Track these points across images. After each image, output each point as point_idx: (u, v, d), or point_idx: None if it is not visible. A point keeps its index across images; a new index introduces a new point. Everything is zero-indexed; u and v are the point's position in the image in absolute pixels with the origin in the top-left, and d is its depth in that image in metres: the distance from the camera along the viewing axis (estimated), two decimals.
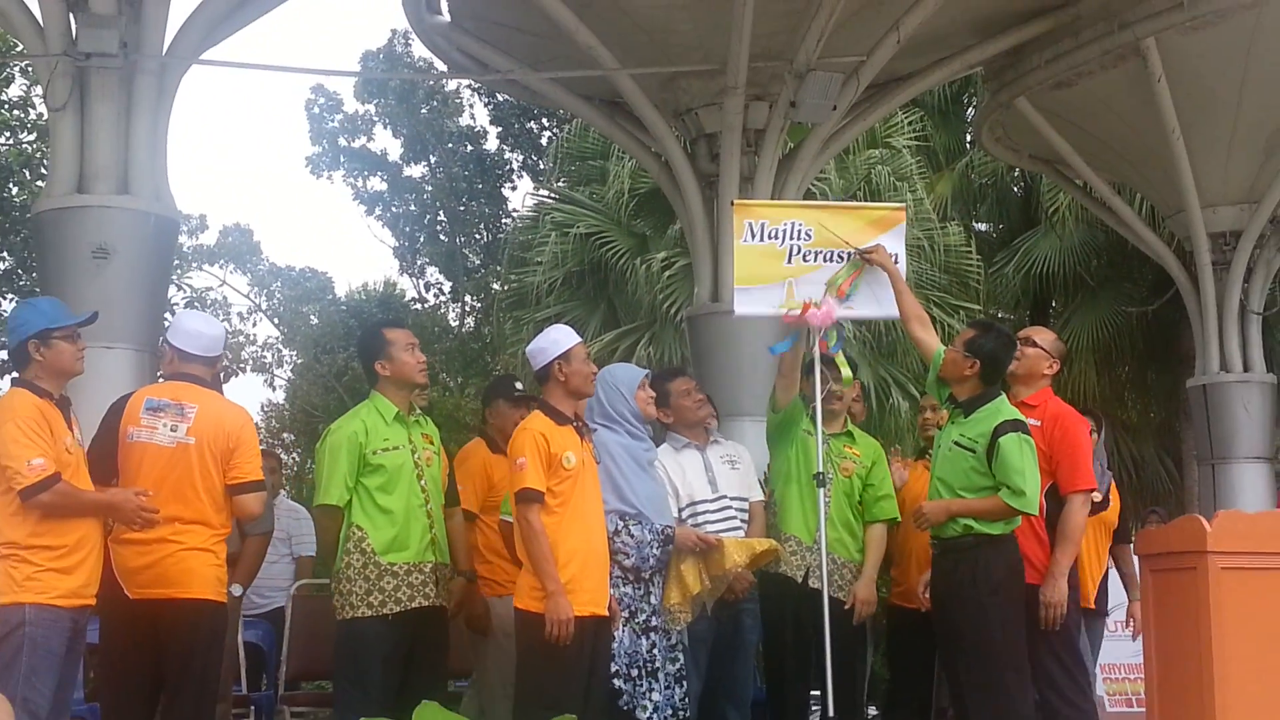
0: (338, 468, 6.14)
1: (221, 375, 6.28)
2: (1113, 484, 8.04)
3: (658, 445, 6.97)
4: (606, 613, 6.08)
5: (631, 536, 6.23)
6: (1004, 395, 6.49)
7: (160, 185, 8.59)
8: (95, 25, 8.40)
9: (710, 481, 7.01)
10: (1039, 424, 6.59)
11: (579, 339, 6.42)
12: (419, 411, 6.56)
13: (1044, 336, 7.20)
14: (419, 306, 28.76)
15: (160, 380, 6.43)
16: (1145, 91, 10.82)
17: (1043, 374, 6.99)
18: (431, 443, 6.44)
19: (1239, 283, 12.22)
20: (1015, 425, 6.26)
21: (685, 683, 6.38)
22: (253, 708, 8.28)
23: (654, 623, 6.28)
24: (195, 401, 5.82)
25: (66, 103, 8.47)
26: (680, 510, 6.81)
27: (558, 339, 6.39)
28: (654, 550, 6.28)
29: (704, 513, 6.92)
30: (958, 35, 11.04)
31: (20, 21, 8.75)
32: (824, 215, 7.53)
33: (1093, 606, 7.70)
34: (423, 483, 6.26)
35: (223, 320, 29.43)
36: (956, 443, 6.37)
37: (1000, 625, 6.20)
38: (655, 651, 6.25)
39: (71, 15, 8.51)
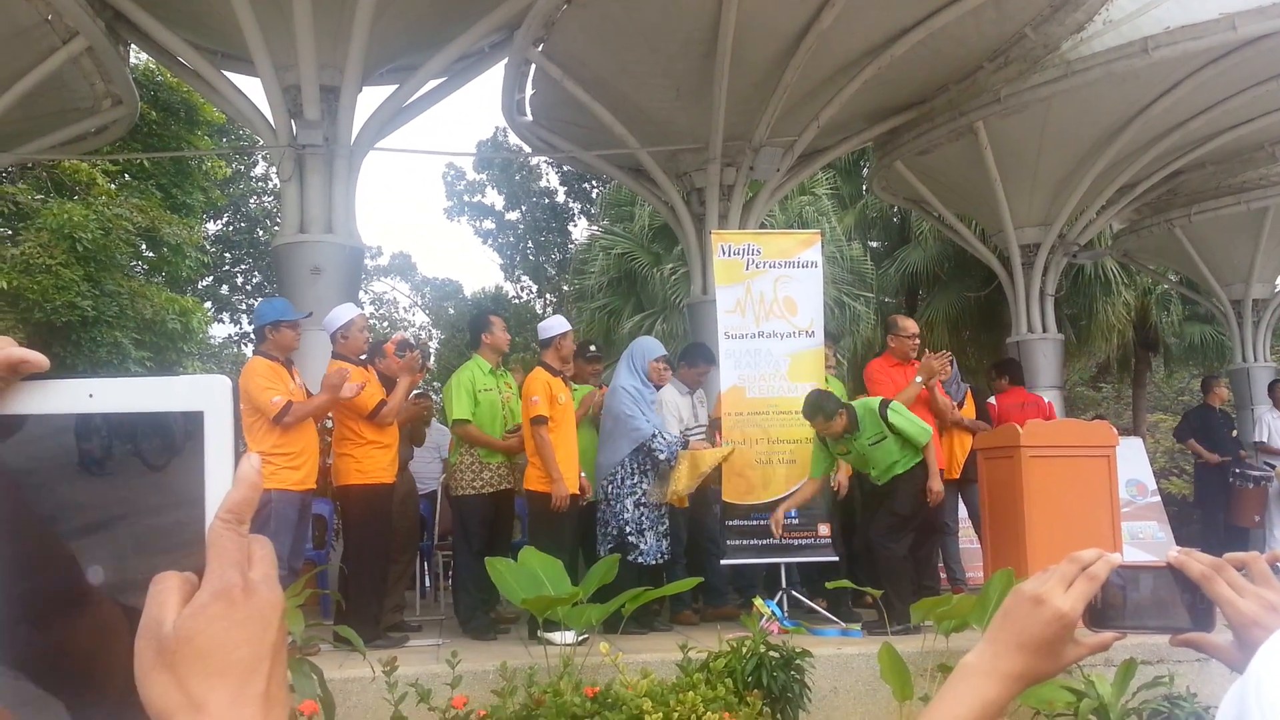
0: (462, 396, 6.19)
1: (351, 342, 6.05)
2: (968, 392, 7.86)
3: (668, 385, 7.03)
4: (579, 491, 6.20)
5: (664, 439, 6.28)
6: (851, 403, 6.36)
7: (351, 227, 8.59)
8: (308, 127, 8.42)
9: (694, 414, 7.04)
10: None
11: (569, 328, 6.50)
12: (503, 368, 6.58)
13: (907, 324, 7.18)
14: (517, 301, 28.81)
15: None
16: (976, 155, 10.68)
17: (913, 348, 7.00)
18: (510, 387, 6.50)
19: (1039, 276, 12.07)
20: (884, 404, 6.19)
21: (668, 538, 6.40)
22: (419, 551, 8.32)
23: (641, 499, 6.28)
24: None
25: (292, 176, 8.49)
26: (679, 429, 6.84)
27: (557, 325, 6.48)
28: (675, 447, 6.34)
29: (692, 430, 6.95)
30: (855, 123, 10.92)
31: (261, 124, 8.80)
32: (768, 238, 7.49)
33: (960, 475, 7.45)
34: (504, 411, 6.31)
35: (392, 312, 29.77)
36: (872, 443, 6.12)
37: (915, 505, 6.13)
38: (643, 519, 6.27)
39: (293, 121, 8.53)
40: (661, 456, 6.24)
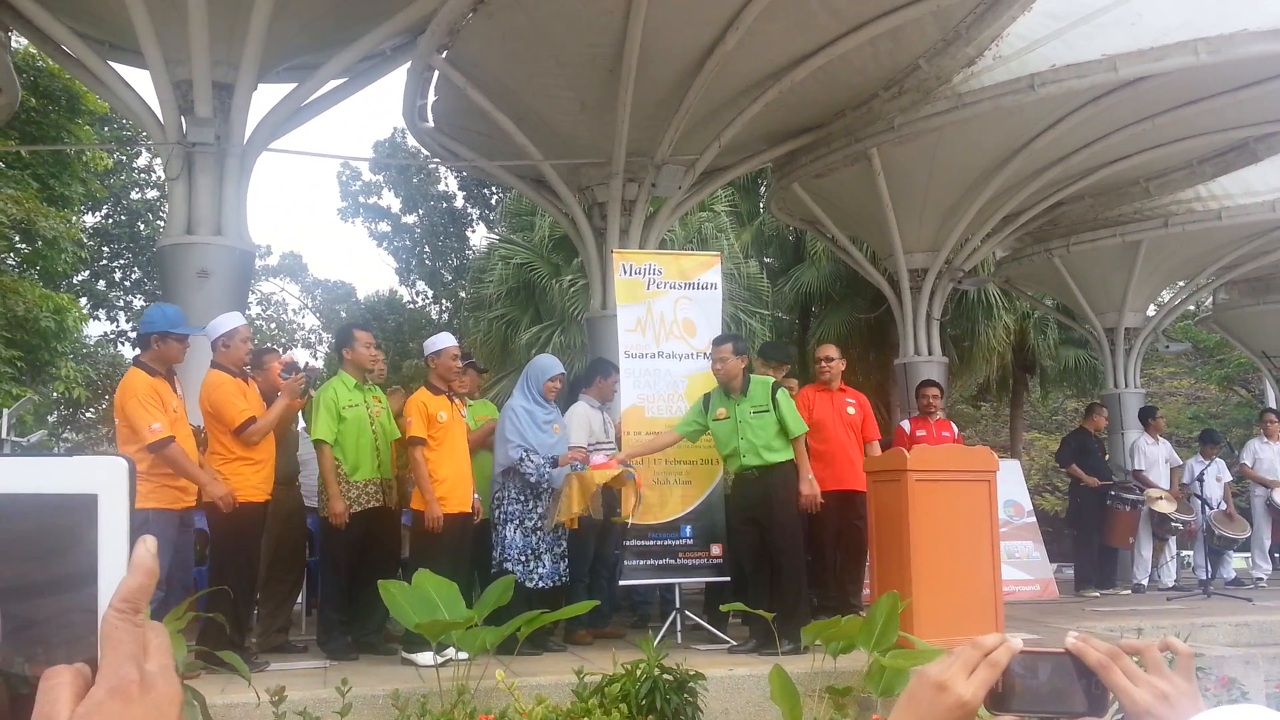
0: (323, 415, 5.90)
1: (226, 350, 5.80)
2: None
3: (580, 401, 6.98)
4: (471, 510, 6.08)
5: (532, 461, 6.08)
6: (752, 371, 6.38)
7: (242, 228, 8.34)
8: (199, 124, 8.14)
9: (605, 429, 7.01)
10: (854, 401, 7.13)
11: (452, 344, 6.28)
12: (369, 382, 6.25)
13: (832, 351, 7.43)
14: (412, 306, 28.37)
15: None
16: (870, 181, 10.93)
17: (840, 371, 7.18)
18: (380, 401, 6.21)
19: (925, 300, 12.42)
20: (779, 385, 6.24)
21: (566, 560, 6.23)
22: (306, 569, 8.07)
23: (538, 525, 6.10)
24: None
25: (180, 174, 8.19)
26: (588, 442, 6.77)
27: (437, 341, 6.27)
28: (547, 469, 6.10)
29: (601, 445, 6.91)
30: (756, 143, 11.06)
31: (148, 119, 8.46)
32: (669, 259, 7.53)
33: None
34: (374, 428, 6.04)
35: (280, 314, 28.93)
36: (754, 411, 6.11)
37: (796, 514, 6.19)
38: (540, 544, 6.09)
39: (183, 117, 8.24)
40: (531, 479, 6.05)
